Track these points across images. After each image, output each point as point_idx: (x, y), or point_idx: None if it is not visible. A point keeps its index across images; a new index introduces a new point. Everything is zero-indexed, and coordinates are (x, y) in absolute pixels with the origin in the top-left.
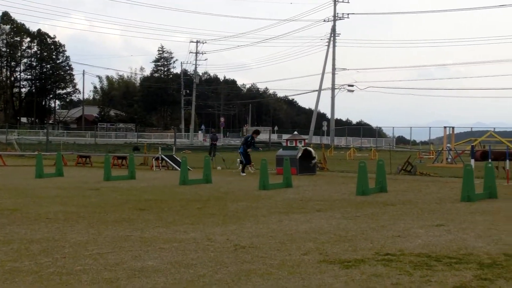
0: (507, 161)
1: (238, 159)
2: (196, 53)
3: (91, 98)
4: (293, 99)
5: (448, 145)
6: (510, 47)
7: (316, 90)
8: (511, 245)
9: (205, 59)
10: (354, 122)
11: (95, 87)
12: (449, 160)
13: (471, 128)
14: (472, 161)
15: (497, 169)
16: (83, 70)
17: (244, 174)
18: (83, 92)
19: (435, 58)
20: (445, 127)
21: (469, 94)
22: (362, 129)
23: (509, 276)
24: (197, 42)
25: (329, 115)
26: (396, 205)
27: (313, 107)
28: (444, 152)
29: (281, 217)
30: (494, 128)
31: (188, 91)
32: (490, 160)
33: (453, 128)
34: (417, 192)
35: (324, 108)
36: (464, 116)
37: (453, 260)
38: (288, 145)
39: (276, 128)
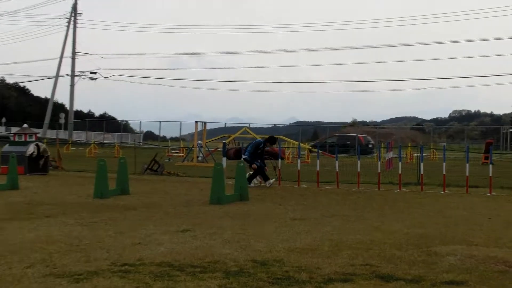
0: (279, 160)
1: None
2: None
3: None
4: (25, 86)
5: (199, 142)
6: (269, 38)
7: (53, 77)
8: (260, 251)
9: None
10: (97, 114)
11: None
12: (200, 158)
13: (225, 123)
14: (224, 160)
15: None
16: None
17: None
18: None
19: (187, 45)
20: (196, 122)
21: (225, 86)
22: (106, 123)
23: (255, 285)
24: None
25: (68, 106)
26: (138, 209)
27: (49, 96)
28: (195, 150)
29: (2, 224)
30: (250, 124)
31: None
32: (242, 159)
33: (205, 123)
34: (163, 194)
35: (63, 97)
36: (219, 110)
37: (198, 269)
38: (16, 139)
39: (4, 119)
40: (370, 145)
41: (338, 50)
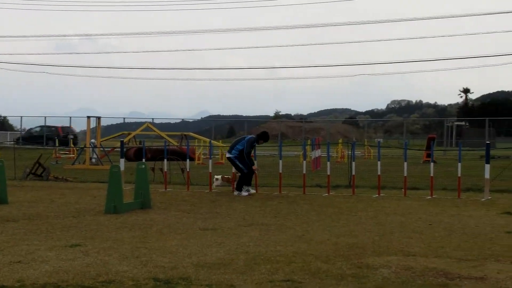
0: (165, 160)
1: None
2: None
3: None
4: None
5: (93, 140)
6: (179, 18)
7: None
8: (164, 267)
9: None
10: None
11: None
12: (93, 160)
13: (124, 119)
14: (122, 162)
15: (153, 171)
16: None
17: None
18: None
19: (76, 25)
20: (88, 117)
21: (123, 74)
22: None
23: None
24: None
25: None
26: (19, 220)
27: None
28: (87, 150)
29: None
30: (153, 119)
31: None
32: (144, 160)
33: (99, 118)
34: (49, 203)
35: None
36: (116, 104)
37: None
38: None
39: None
40: (71, 136)
41: (258, 30)
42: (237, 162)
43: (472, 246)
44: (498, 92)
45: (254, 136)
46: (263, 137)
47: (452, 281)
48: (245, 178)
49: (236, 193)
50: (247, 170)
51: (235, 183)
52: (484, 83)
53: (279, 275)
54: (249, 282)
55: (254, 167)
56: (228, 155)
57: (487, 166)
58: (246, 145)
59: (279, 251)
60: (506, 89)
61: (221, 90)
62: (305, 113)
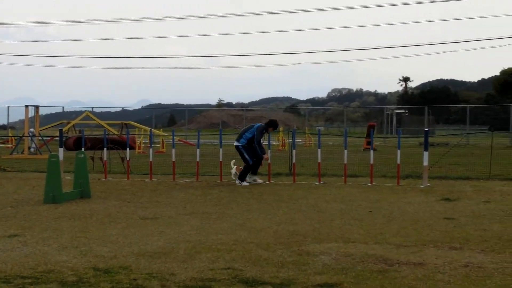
0: (105, 150)
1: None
2: None
3: None
4: None
5: (32, 129)
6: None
7: None
8: (103, 257)
9: None
10: None
11: None
12: (32, 149)
13: (63, 107)
14: (61, 151)
15: (92, 160)
16: None
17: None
18: None
19: (13, 13)
20: (26, 106)
21: (62, 63)
22: None
23: None
24: None
25: None
26: None
27: None
28: (26, 139)
29: None
30: (92, 107)
31: None
32: (83, 149)
33: (37, 107)
34: None
35: None
36: (55, 93)
37: (28, 280)
38: None
39: None
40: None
41: (198, 19)
42: (244, 153)
43: (411, 233)
44: (437, 80)
45: (263, 124)
46: (272, 124)
47: (391, 267)
48: (249, 169)
49: (237, 182)
50: (252, 162)
51: (234, 172)
52: (424, 72)
53: (220, 263)
54: (190, 270)
55: (266, 156)
56: (236, 143)
57: (426, 154)
58: (256, 133)
59: (220, 240)
60: (445, 77)
61: (162, 78)
62: (246, 101)
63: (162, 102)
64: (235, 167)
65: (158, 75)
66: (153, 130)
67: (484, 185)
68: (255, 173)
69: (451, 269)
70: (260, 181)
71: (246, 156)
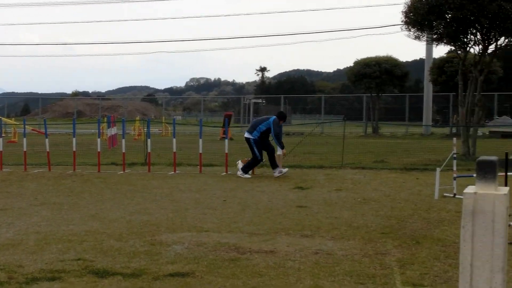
0: None
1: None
2: None
3: None
4: None
5: None
6: None
7: None
8: None
9: None
10: None
11: None
12: None
13: None
14: None
15: None
16: None
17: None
18: None
19: None
20: None
21: None
22: None
23: None
24: None
25: None
26: None
27: None
28: None
29: None
30: None
31: None
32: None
33: None
34: None
35: None
36: None
37: None
38: None
39: None
40: None
41: (50, 5)
42: (254, 147)
43: (264, 221)
44: (294, 70)
45: (275, 117)
46: (283, 117)
47: (243, 255)
48: (256, 163)
49: (239, 173)
50: (260, 158)
51: (241, 166)
52: (281, 62)
53: (70, 254)
54: (39, 261)
55: (284, 151)
56: (247, 135)
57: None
58: (275, 127)
59: (71, 230)
60: (301, 68)
61: (14, 66)
62: (103, 90)
63: (16, 91)
64: (240, 160)
65: (10, 63)
66: (3, 119)
67: (336, 173)
68: (274, 167)
69: (302, 256)
70: (285, 170)
71: (256, 150)
